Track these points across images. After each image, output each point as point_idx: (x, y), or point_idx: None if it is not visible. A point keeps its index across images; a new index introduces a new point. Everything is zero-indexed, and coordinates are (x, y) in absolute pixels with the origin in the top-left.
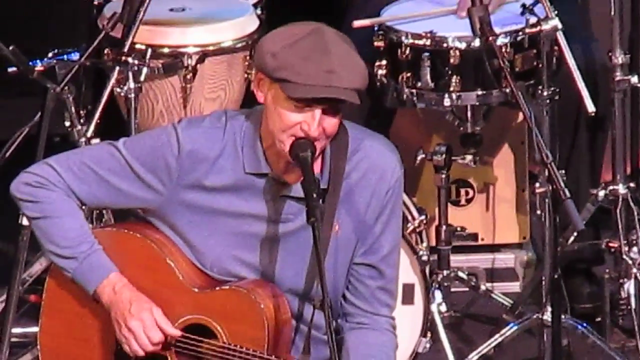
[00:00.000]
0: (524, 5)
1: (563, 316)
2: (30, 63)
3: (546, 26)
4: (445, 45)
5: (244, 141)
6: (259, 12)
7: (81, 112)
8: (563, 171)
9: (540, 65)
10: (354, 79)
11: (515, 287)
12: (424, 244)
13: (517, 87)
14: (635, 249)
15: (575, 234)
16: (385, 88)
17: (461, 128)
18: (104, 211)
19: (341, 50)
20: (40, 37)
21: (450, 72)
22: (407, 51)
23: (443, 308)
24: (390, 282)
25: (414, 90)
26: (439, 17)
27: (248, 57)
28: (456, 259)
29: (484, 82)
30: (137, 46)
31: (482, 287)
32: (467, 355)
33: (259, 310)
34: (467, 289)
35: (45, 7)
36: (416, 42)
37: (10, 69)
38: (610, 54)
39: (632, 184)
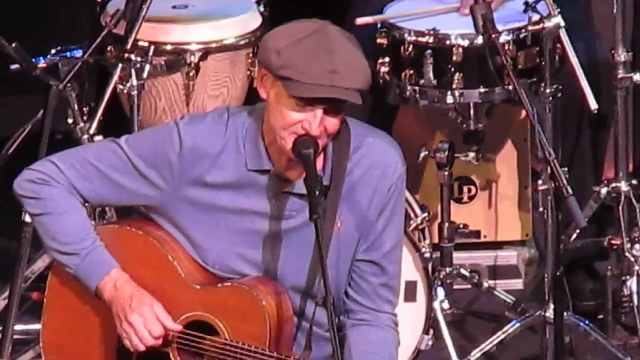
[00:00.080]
0: (526, 3)
1: (565, 313)
2: (33, 60)
3: (549, 24)
4: (448, 42)
5: (246, 138)
6: (261, 9)
7: (84, 109)
8: (565, 168)
9: (543, 63)
10: (357, 79)
11: (517, 284)
12: (427, 241)
13: (519, 84)
14: (637, 246)
15: (577, 231)
16: (388, 85)
17: (464, 125)
18: (107, 208)
19: (345, 49)
20: (43, 34)
21: (452, 70)
22: (410, 48)
23: (445, 305)
24: (392, 278)
25: (416, 88)
26: (442, 15)
27: (251, 55)
28: (459, 256)
29: (487, 79)
30: (140, 43)
31: (485, 285)
32: (469, 352)
33: (260, 307)
34: (469, 286)
35: (48, 4)
36: (419, 39)
37: (13, 66)
38: (612, 51)
39: (634, 181)
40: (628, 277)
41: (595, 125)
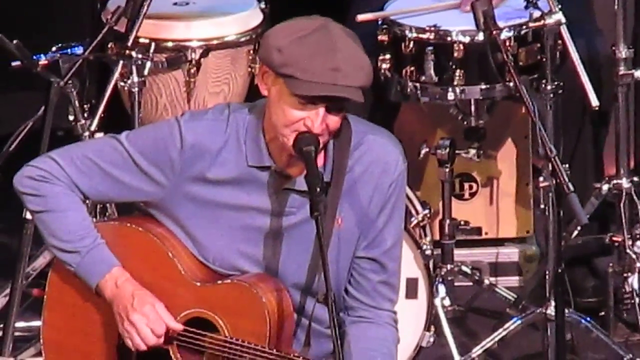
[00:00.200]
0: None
1: (567, 310)
2: (34, 57)
3: (550, 20)
4: (449, 39)
5: (247, 134)
6: (262, 6)
7: (85, 106)
8: (567, 165)
9: (544, 59)
10: (359, 77)
11: (519, 281)
12: (428, 238)
13: (520, 81)
14: (639, 242)
15: (579, 228)
16: (389, 82)
17: (465, 122)
18: (108, 205)
19: (347, 47)
20: (44, 31)
21: (454, 66)
22: (411, 45)
23: (447, 302)
24: (392, 276)
25: (417, 84)
26: (443, 11)
27: (252, 51)
28: (460, 253)
29: (488, 76)
30: (141, 40)
31: (486, 281)
32: (470, 349)
33: (260, 304)
34: (470, 283)
35: (49, 1)
36: (420, 36)
37: (14, 63)
38: (613, 48)
39: (635, 178)
40: (629, 274)
41: (596, 122)
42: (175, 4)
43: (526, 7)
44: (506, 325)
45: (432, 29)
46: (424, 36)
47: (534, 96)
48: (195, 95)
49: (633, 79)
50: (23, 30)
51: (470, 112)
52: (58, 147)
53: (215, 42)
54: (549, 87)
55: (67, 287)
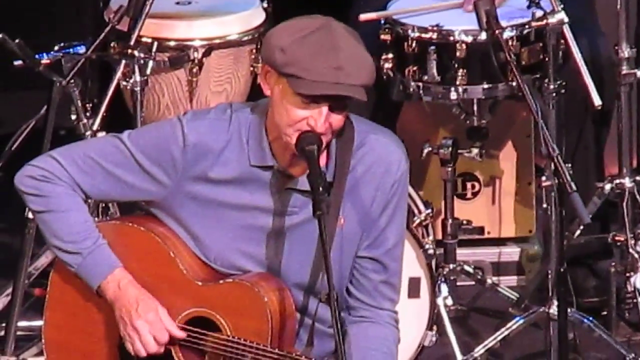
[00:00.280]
0: None
1: (569, 310)
2: (37, 56)
3: (552, 20)
4: (451, 38)
5: (250, 134)
6: (265, 5)
7: (87, 105)
8: (569, 164)
9: (547, 59)
10: (362, 76)
11: (521, 280)
12: (430, 238)
13: (523, 80)
14: None
15: (581, 227)
16: (392, 81)
17: (467, 121)
18: (110, 204)
19: (350, 46)
20: (46, 31)
21: (456, 66)
22: (414, 44)
23: (449, 301)
24: (393, 275)
25: (420, 84)
26: (446, 11)
27: (254, 51)
28: (462, 253)
29: (491, 75)
30: (144, 39)
31: (488, 281)
32: (473, 348)
33: (262, 303)
34: (473, 282)
35: (51, 0)
36: (422, 35)
37: (16, 62)
38: (616, 47)
39: (638, 177)
40: (632, 273)
41: (598, 122)
42: (177, 3)
43: (529, 7)
44: (508, 325)
45: (435, 28)
46: (427, 35)
47: (537, 96)
48: (197, 94)
49: (635, 79)
50: (25, 30)
51: (472, 112)
52: (60, 146)
53: (217, 41)
54: (551, 87)
55: (68, 286)
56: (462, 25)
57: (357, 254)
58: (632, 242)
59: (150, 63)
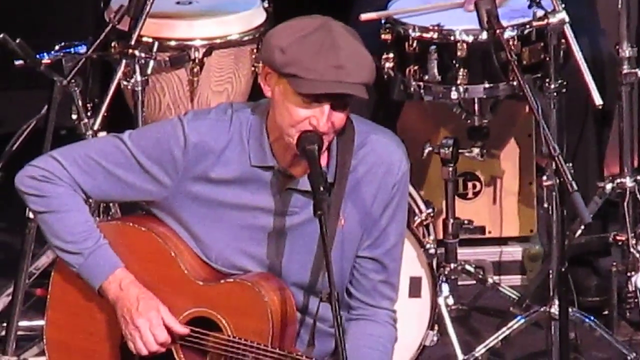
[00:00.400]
0: None
1: (570, 309)
2: (37, 56)
3: (553, 19)
4: (452, 38)
5: (250, 134)
6: (266, 5)
7: (88, 105)
8: (570, 164)
9: (548, 58)
10: (362, 74)
11: (522, 280)
12: (431, 237)
13: (524, 80)
14: None
15: (582, 227)
16: (393, 81)
17: (468, 121)
18: (111, 204)
19: (349, 44)
20: (47, 30)
21: (457, 65)
22: (414, 44)
23: (450, 301)
24: (392, 275)
25: (421, 83)
26: (446, 10)
27: (255, 50)
28: (463, 252)
29: (491, 75)
30: (144, 39)
31: (490, 280)
32: (474, 348)
33: (263, 303)
34: (474, 282)
35: (52, 0)
36: (423, 35)
37: (17, 62)
38: (617, 47)
39: (639, 177)
40: (633, 273)
41: (599, 121)
42: (178, 2)
43: (530, 6)
44: (510, 324)
45: (436, 28)
46: (428, 35)
47: (538, 95)
48: (198, 94)
49: (637, 78)
50: (26, 29)
51: (473, 111)
52: (61, 146)
53: (218, 41)
54: (552, 86)
55: (70, 286)
56: (463, 25)
57: (358, 254)
58: (633, 241)
59: (151, 63)
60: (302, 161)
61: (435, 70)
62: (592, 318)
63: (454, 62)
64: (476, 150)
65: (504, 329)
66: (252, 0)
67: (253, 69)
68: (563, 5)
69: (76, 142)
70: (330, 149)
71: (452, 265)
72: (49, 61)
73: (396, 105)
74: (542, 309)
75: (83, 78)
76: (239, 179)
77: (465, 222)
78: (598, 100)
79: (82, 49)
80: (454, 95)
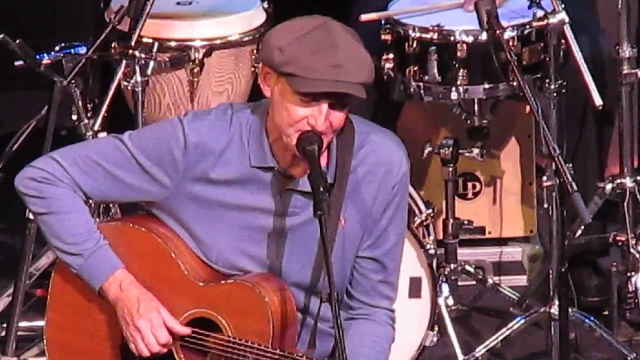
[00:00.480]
0: None
1: (570, 309)
2: (38, 56)
3: (553, 19)
4: (452, 38)
5: (250, 134)
6: (266, 5)
7: (88, 105)
8: (570, 164)
9: (548, 59)
10: (361, 73)
11: (522, 280)
12: (431, 237)
13: (524, 80)
14: None
15: (582, 227)
16: (393, 81)
17: (468, 121)
18: (111, 205)
19: (348, 44)
20: (47, 31)
21: (457, 66)
22: (414, 45)
23: (450, 301)
24: (392, 274)
25: (421, 84)
26: (446, 11)
27: (255, 51)
28: (463, 253)
29: (491, 75)
30: (144, 40)
31: (490, 281)
32: (474, 348)
33: (263, 303)
34: (474, 282)
35: (52, 0)
36: (423, 35)
37: (17, 63)
38: (617, 47)
39: (639, 177)
40: (633, 273)
41: (599, 121)
42: (178, 3)
43: (530, 7)
44: (510, 325)
45: (436, 28)
46: (427, 36)
47: (538, 95)
48: (198, 94)
49: (637, 78)
50: (26, 30)
51: (473, 112)
52: (61, 147)
53: (218, 41)
54: (552, 87)
55: (70, 287)
56: (463, 25)
57: (358, 254)
58: (633, 241)
59: (151, 63)
60: (301, 162)
61: (435, 71)
62: (592, 318)
63: (454, 62)
64: (476, 151)
65: (504, 329)
66: (252, 0)
67: (253, 69)
68: (563, 6)
69: (76, 142)
70: (330, 149)
71: (452, 266)
72: (49, 62)
73: (396, 106)
74: (542, 310)
75: (83, 78)
76: (239, 179)
77: (465, 222)
78: (598, 100)
79: (82, 50)
80: (454, 95)
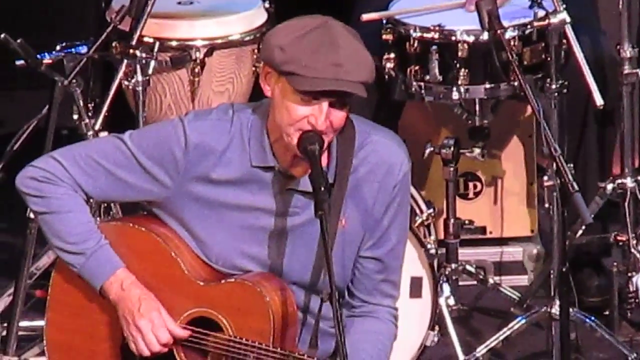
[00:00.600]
0: None
1: (571, 309)
2: (39, 56)
3: (554, 19)
4: (453, 38)
5: (251, 134)
6: (267, 5)
7: (89, 105)
8: (571, 164)
9: (549, 59)
10: (362, 72)
11: (523, 280)
12: (432, 237)
13: (525, 80)
14: None
15: (583, 227)
16: (394, 81)
17: (469, 121)
18: (112, 205)
19: (349, 43)
20: (48, 30)
21: (458, 65)
22: (416, 44)
23: (451, 301)
24: (394, 272)
25: (422, 84)
26: (448, 11)
27: (256, 51)
28: (464, 252)
29: (492, 75)
30: (145, 39)
31: (490, 281)
32: (475, 348)
33: (264, 303)
34: (475, 282)
35: (53, 0)
36: (424, 35)
37: (18, 62)
38: (618, 47)
39: None
40: (634, 273)
41: (600, 121)
42: (179, 3)
43: (531, 7)
44: (510, 325)
45: (437, 28)
46: (429, 35)
47: (539, 95)
48: (199, 94)
49: (638, 78)
50: (27, 29)
51: (474, 112)
52: (62, 146)
53: (219, 41)
54: (553, 87)
55: (70, 287)
56: (464, 25)
57: (360, 254)
58: (634, 242)
59: (152, 63)
60: (302, 161)
61: (436, 71)
62: (593, 318)
63: (455, 62)
64: (477, 151)
65: (505, 329)
66: (253, 0)
67: (254, 69)
68: (564, 6)
69: (77, 142)
70: (331, 149)
71: (453, 266)
72: (50, 61)
73: (397, 106)
74: (543, 310)
75: (84, 78)
76: (240, 179)
77: (466, 222)
78: (599, 100)
79: (84, 49)
80: (455, 95)
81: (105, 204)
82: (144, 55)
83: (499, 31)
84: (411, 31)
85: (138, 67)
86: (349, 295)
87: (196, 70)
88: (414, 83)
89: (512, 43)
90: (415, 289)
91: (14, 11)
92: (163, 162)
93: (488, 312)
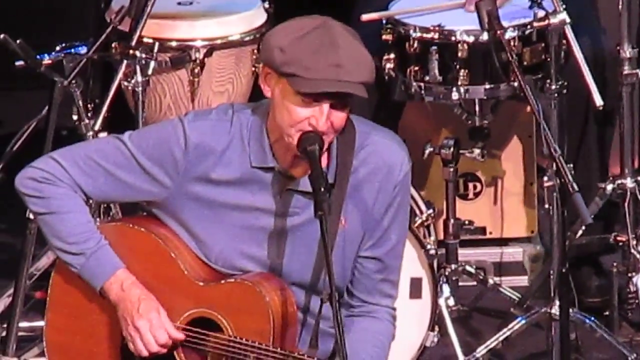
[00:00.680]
0: None
1: (571, 310)
2: (38, 57)
3: (554, 20)
4: (453, 38)
5: (251, 134)
6: (266, 5)
7: (89, 105)
8: (571, 165)
9: (549, 59)
10: (362, 73)
11: (523, 281)
12: (432, 238)
13: (525, 80)
14: None
15: (583, 227)
16: (393, 81)
17: (469, 122)
18: (112, 205)
19: (349, 44)
20: (48, 31)
21: (458, 66)
22: (415, 45)
23: (451, 302)
24: (393, 272)
25: (422, 84)
26: (447, 11)
27: (256, 51)
28: (464, 253)
29: (492, 75)
30: (145, 40)
31: (490, 281)
32: (475, 349)
33: (264, 303)
34: (475, 282)
35: (53, 0)
36: (424, 35)
37: (18, 63)
38: (618, 47)
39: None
40: (634, 273)
41: (600, 122)
42: (179, 3)
43: (530, 7)
44: (510, 325)
45: (437, 28)
46: (428, 36)
47: (538, 96)
48: (199, 94)
49: (637, 79)
50: (27, 30)
51: (474, 112)
52: (62, 147)
53: (219, 41)
54: (553, 87)
55: (69, 288)
56: (464, 26)
57: (359, 254)
58: (634, 242)
59: (152, 63)
60: (302, 162)
61: (436, 71)
62: (592, 319)
63: (454, 62)
64: (477, 151)
65: (505, 329)
66: (252, 0)
67: (254, 69)
68: (564, 6)
69: (77, 142)
70: (331, 149)
71: (453, 266)
72: (49, 62)
73: (397, 106)
74: (542, 310)
75: (84, 79)
76: (240, 179)
77: (466, 222)
78: (599, 100)
79: (83, 50)
80: (454, 95)
81: (105, 205)
82: (143, 55)
83: (498, 31)
84: (411, 31)
85: (138, 67)
86: (348, 295)
87: (196, 70)
88: (414, 83)
89: (511, 43)
90: (415, 290)
91: (14, 11)
92: (163, 162)
93: (488, 312)
